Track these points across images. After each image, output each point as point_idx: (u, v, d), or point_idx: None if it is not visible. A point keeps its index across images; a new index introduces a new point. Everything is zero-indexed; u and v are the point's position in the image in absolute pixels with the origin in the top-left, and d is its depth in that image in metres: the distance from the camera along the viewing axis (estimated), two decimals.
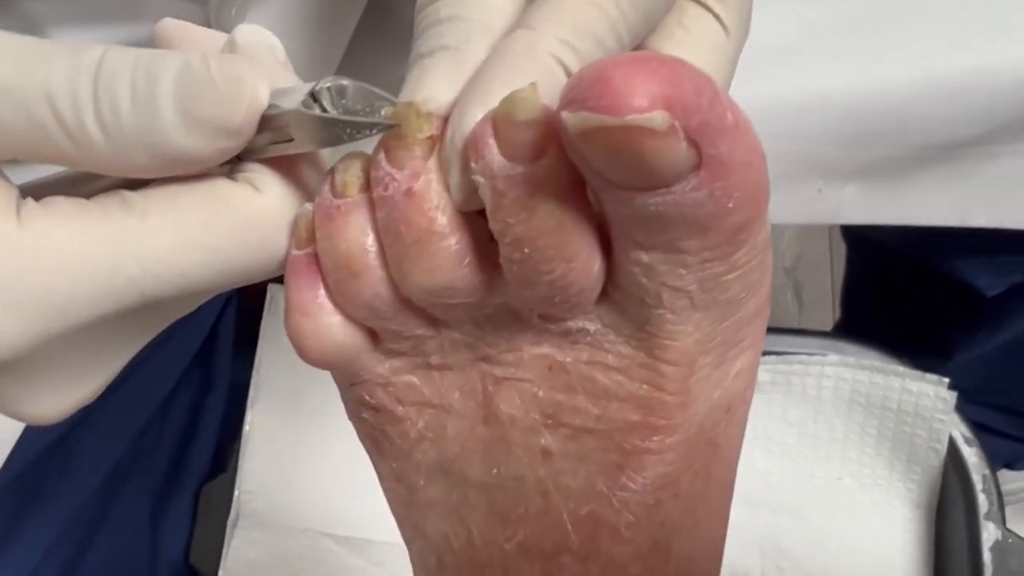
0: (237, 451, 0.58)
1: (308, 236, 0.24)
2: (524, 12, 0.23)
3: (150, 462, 0.57)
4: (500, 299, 0.24)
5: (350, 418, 0.27)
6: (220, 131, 0.22)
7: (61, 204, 0.22)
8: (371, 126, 0.22)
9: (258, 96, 0.22)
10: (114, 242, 0.22)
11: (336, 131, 0.22)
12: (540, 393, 0.25)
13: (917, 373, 0.54)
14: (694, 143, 0.19)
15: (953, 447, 0.54)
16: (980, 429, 0.56)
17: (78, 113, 0.21)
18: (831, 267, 1.13)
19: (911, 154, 0.47)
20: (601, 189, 0.21)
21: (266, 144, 0.23)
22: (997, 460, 0.72)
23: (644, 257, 0.22)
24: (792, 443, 0.57)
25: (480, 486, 0.26)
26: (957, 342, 0.70)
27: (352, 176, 0.23)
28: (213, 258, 0.23)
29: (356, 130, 0.22)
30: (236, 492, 0.57)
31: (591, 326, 0.24)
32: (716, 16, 0.25)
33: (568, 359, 0.24)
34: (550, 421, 0.25)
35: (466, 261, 0.23)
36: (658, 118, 0.18)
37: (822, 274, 1.13)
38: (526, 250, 0.22)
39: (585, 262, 0.22)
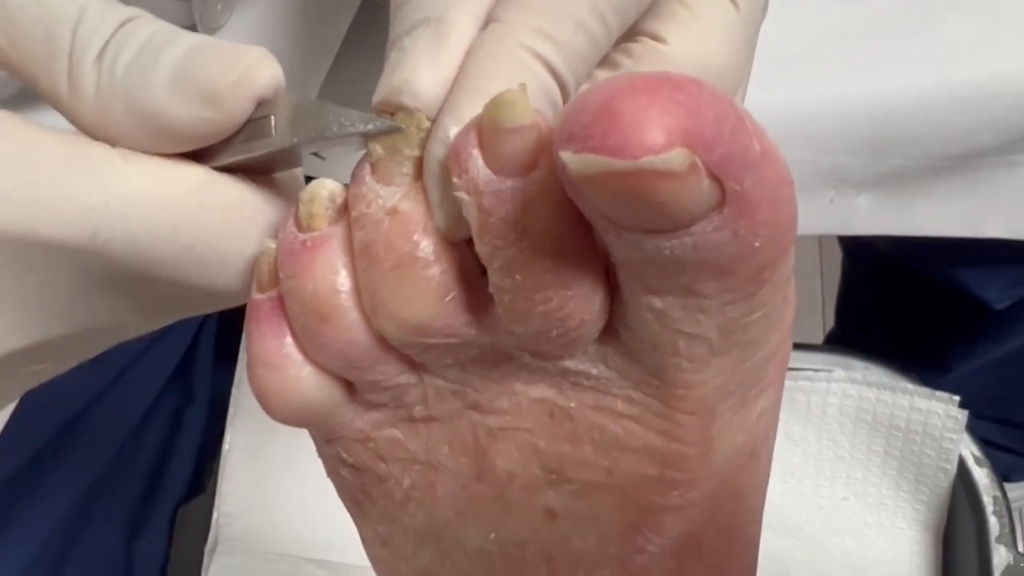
0: (215, 471, 0.56)
1: (271, 277, 0.21)
2: (496, 3, 0.21)
3: (126, 481, 0.55)
4: (487, 339, 0.21)
5: (328, 475, 0.25)
6: (203, 98, 0.20)
7: (35, 120, 0.20)
8: (364, 120, 0.20)
9: (254, 74, 0.20)
10: (82, 162, 0.20)
11: (325, 121, 0.21)
12: (541, 444, 0.22)
13: (926, 391, 0.53)
14: (716, 179, 0.16)
15: (963, 467, 0.54)
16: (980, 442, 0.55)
17: (86, 48, 0.20)
18: (821, 272, 1.12)
19: (926, 164, 0.46)
20: (606, 231, 0.18)
21: (240, 143, 0.21)
22: (997, 474, 0.71)
23: (657, 303, 0.19)
24: (796, 462, 0.56)
25: (477, 553, 0.23)
26: (957, 353, 0.70)
27: (319, 207, 0.21)
28: (186, 227, 0.21)
29: (348, 122, 0.20)
30: (215, 515, 0.55)
31: (593, 369, 0.21)
32: None
33: (572, 404, 0.22)
34: (554, 476, 0.22)
35: (450, 296, 0.20)
36: (677, 158, 0.16)
37: (812, 280, 1.12)
38: (518, 276, 0.19)
39: (587, 290, 0.20)
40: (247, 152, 0.21)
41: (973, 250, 0.51)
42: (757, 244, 0.18)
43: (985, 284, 0.60)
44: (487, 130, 0.18)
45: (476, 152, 0.19)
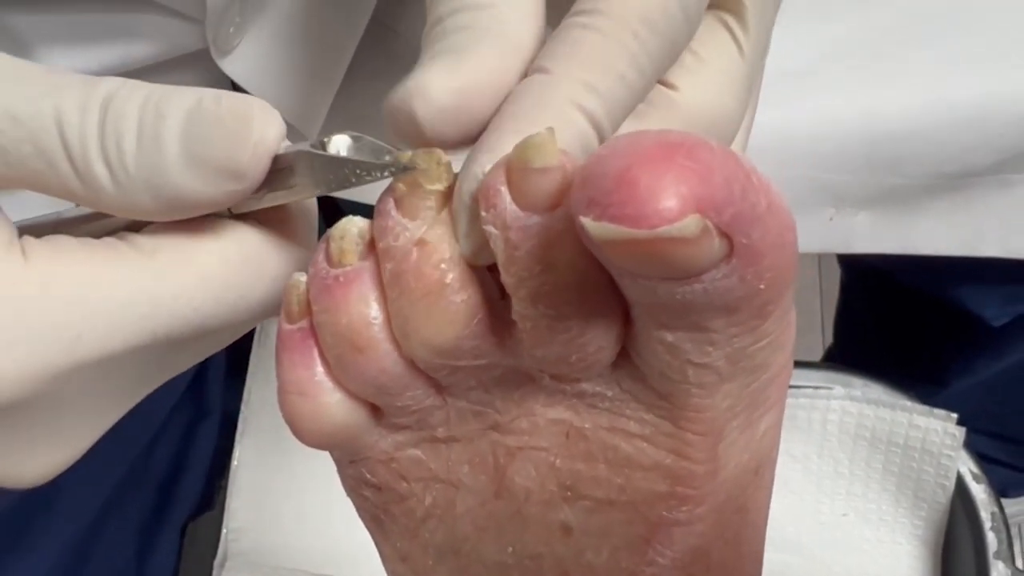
0: (224, 488, 0.56)
1: (300, 309, 0.22)
2: (539, 53, 0.22)
3: (138, 496, 0.55)
4: (510, 361, 0.22)
5: (348, 495, 0.26)
6: (225, 173, 0.21)
7: (66, 241, 0.22)
8: (382, 167, 0.21)
9: (266, 137, 0.21)
10: (124, 278, 0.21)
11: (344, 173, 0.21)
12: (557, 462, 0.23)
13: (925, 408, 0.53)
14: (726, 235, 0.18)
15: (961, 484, 0.54)
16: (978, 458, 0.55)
17: (84, 148, 0.21)
18: (820, 290, 1.12)
19: (923, 182, 0.46)
20: (622, 276, 0.20)
21: (264, 194, 0.22)
22: (995, 491, 0.71)
23: (668, 336, 0.20)
24: (797, 479, 0.56)
25: (495, 567, 0.24)
26: (955, 370, 0.70)
27: (349, 244, 0.22)
28: (225, 292, 0.22)
29: (366, 171, 0.21)
30: (223, 530, 0.55)
31: (608, 391, 0.22)
32: (729, 28, 0.24)
33: (587, 425, 0.23)
34: (569, 493, 0.23)
35: (476, 319, 0.21)
36: (690, 225, 0.17)
37: (811, 297, 1.12)
38: (541, 307, 0.20)
39: (605, 320, 0.21)
40: (266, 203, 0.22)
41: (970, 268, 0.52)
42: (762, 286, 0.19)
43: (982, 301, 0.60)
44: (516, 169, 0.19)
45: (505, 189, 0.20)
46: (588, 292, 0.20)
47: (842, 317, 0.84)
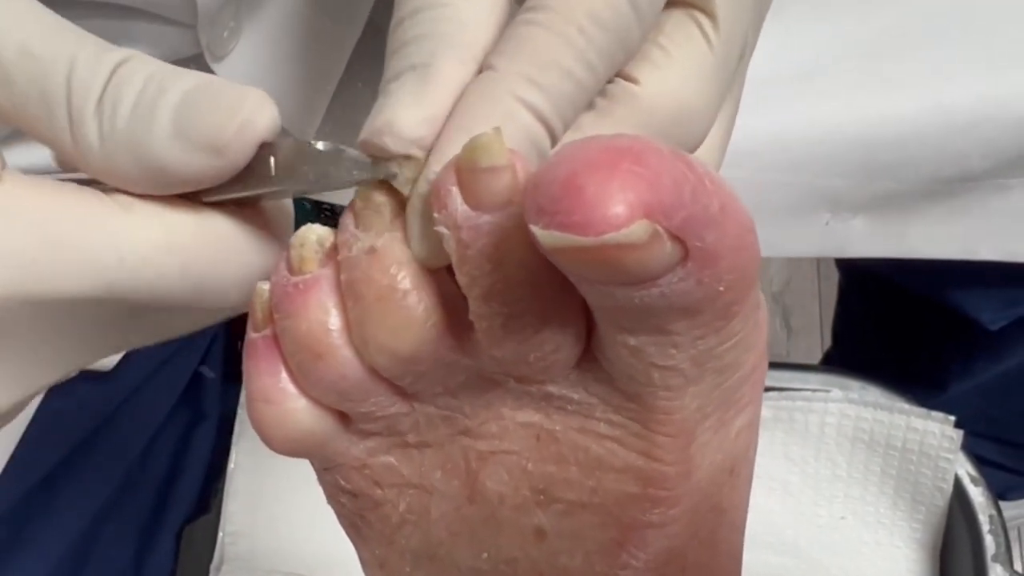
0: (221, 491, 0.56)
1: (264, 317, 0.23)
2: (490, 51, 0.22)
3: (136, 500, 0.55)
4: (471, 363, 0.22)
5: (328, 502, 0.26)
6: (207, 147, 0.21)
7: (45, 180, 0.21)
8: (360, 167, 0.21)
9: (255, 120, 0.21)
10: (93, 223, 0.21)
11: (329, 171, 0.22)
12: (529, 466, 0.23)
13: (923, 411, 0.53)
14: (678, 239, 0.18)
15: (959, 486, 0.54)
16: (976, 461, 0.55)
17: (84, 101, 0.21)
18: (819, 293, 1.12)
19: (920, 187, 0.46)
20: (580, 282, 0.20)
21: (245, 183, 0.22)
22: (992, 493, 0.71)
23: (631, 340, 0.20)
24: (794, 482, 0.56)
25: (470, 571, 0.24)
26: (954, 373, 0.70)
27: (308, 251, 0.22)
28: (191, 266, 0.22)
29: (346, 171, 0.22)
30: (220, 534, 0.55)
31: (574, 394, 0.22)
32: (698, 22, 0.23)
33: (557, 427, 0.23)
34: (542, 497, 0.23)
35: (431, 321, 0.21)
36: (637, 230, 0.17)
37: (810, 300, 1.12)
38: (495, 305, 0.20)
39: (560, 318, 0.21)
40: (245, 191, 0.22)
41: (967, 272, 0.52)
42: (722, 288, 0.19)
43: (979, 305, 0.60)
44: (465, 169, 0.20)
45: (455, 190, 0.20)
46: (541, 290, 0.20)
47: (841, 321, 0.84)
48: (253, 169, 0.22)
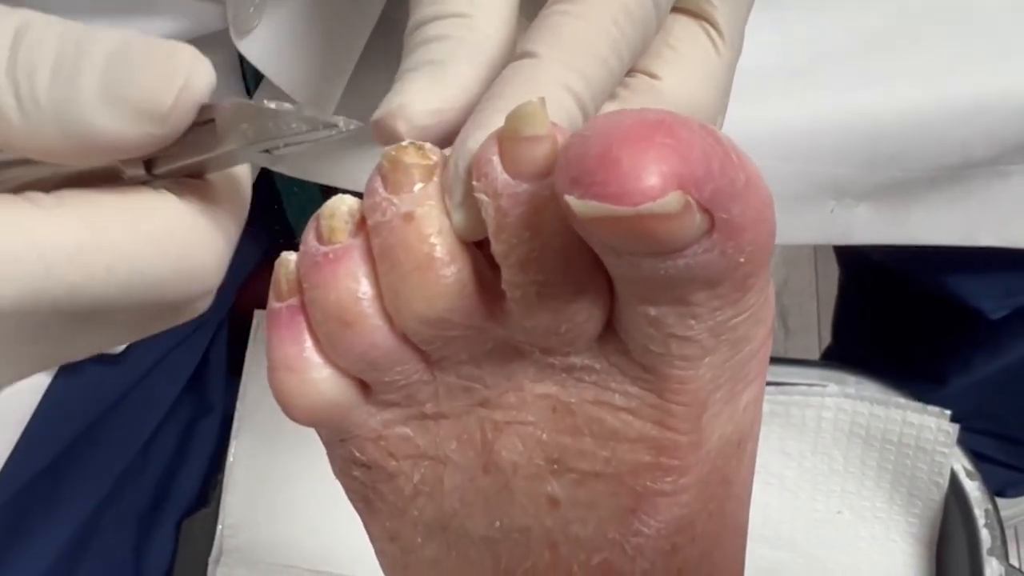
0: (220, 484, 0.56)
1: (289, 287, 0.23)
2: (523, 37, 0.23)
3: (137, 492, 0.55)
4: (501, 332, 0.23)
5: (337, 477, 0.26)
6: (146, 114, 0.19)
7: None
8: (302, 120, 0.20)
9: (194, 82, 0.19)
10: (13, 229, 0.19)
11: (272, 129, 0.20)
12: (544, 436, 0.23)
13: (919, 405, 0.53)
14: (707, 210, 0.18)
15: (955, 480, 0.54)
16: (972, 456, 0.55)
17: None
18: (816, 293, 1.13)
19: (922, 175, 0.47)
20: (606, 253, 0.20)
21: (184, 149, 0.20)
22: (988, 488, 0.72)
23: (651, 311, 0.21)
24: (791, 476, 0.56)
25: (482, 541, 0.24)
26: (953, 367, 0.70)
27: (339, 221, 0.22)
28: (128, 263, 0.20)
29: (287, 124, 0.20)
30: (219, 527, 0.56)
31: (596, 364, 0.23)
32: (705, 30, 0.25)
33: (573, 399, 0.23)
34: (556, 467, 0.24)
35: (467, 291, 0.22)
36: (672, 201, 0.17)
37: (808, 300, 1.12)
38: (530, 273, 0.21)
39: (593, 288, 0.21)
40: (187, 158, 0.21)
41: (968, 260, 0.53)
42: (742, 259, 0.20)
43: (980, 294, 0.60)
44: (507, 138, 0.20)
45: (496, 159, 0.20)
46: (575, 260, 0.21)
47: (841, 316, 0.84)
48: (197, 134, 0.20)
